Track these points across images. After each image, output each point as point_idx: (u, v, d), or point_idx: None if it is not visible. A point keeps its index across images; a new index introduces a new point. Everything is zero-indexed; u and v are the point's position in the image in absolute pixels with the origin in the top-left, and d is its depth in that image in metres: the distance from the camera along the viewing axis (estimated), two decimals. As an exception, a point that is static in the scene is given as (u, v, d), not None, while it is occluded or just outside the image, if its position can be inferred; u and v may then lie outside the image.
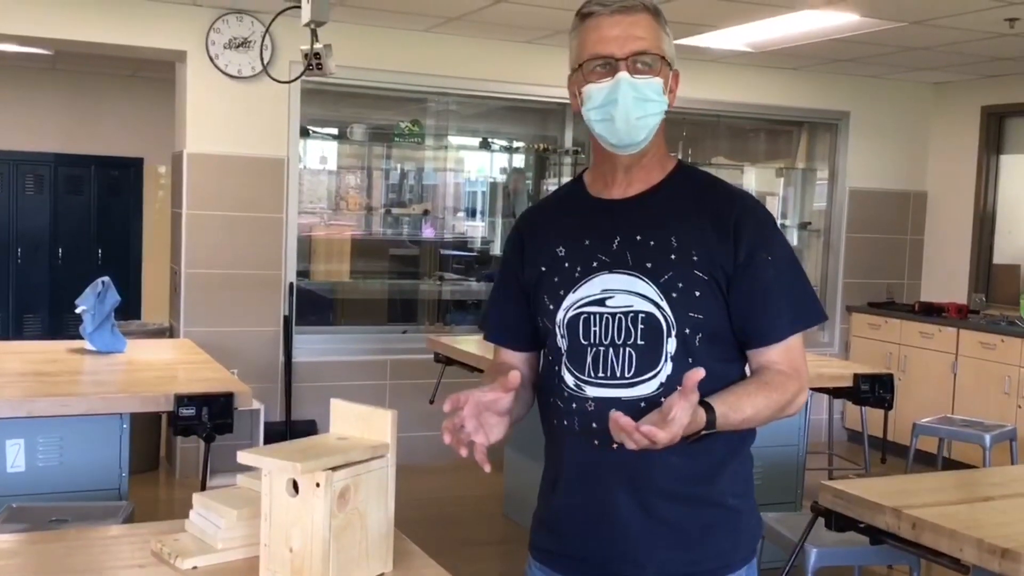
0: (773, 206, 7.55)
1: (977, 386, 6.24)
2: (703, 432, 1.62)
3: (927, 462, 5.26)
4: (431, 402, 5.24)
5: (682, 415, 1.53)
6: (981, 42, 5.72)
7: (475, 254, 7.42)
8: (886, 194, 7.33)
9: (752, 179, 7.63)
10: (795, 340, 1.76)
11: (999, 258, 7.08)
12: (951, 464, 5.23)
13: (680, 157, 1.89)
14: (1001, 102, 6.93)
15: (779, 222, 7.40)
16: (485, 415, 1.65)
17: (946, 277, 7.28)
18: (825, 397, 5.34)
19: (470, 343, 4.87)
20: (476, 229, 7.55)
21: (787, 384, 1.74)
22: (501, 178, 7.45)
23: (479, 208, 7.61)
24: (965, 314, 6.62)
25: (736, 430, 1.71)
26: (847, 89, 7.12)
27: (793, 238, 7.52)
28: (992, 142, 7.07)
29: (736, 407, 1.67)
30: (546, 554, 1.86)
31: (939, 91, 7.35)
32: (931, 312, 6.73)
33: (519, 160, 7.40)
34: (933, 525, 2.25)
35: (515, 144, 7.33)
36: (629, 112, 1.70)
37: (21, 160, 8.65)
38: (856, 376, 4.39)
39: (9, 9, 5.26)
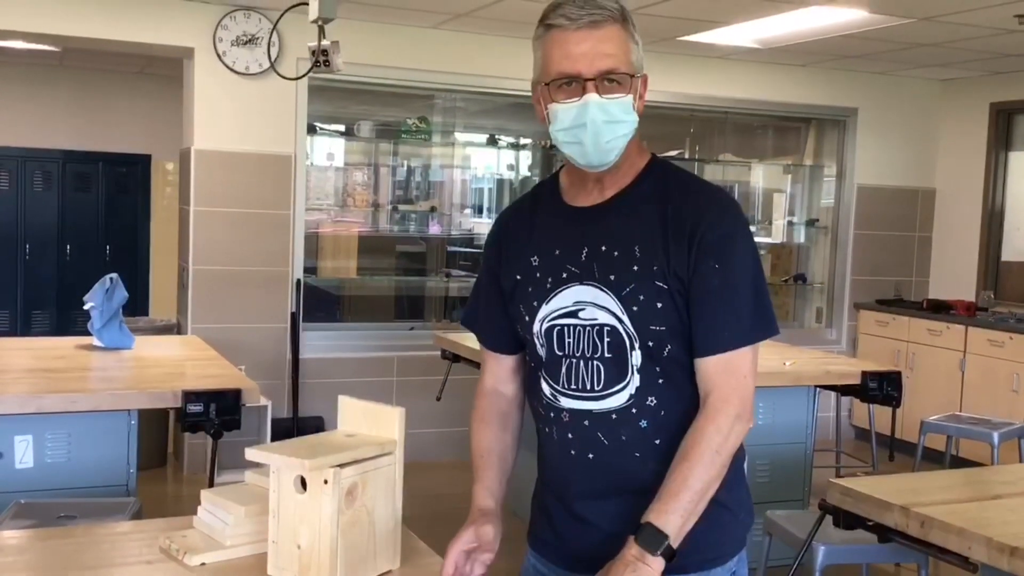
0: (780, 203, 7.53)
1: (985, 384, 6.22)
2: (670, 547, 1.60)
3: (935, 460, 5.25)
4: (438, 399, 5.24)
5: None
6: (990, 38, 5.70)
7: (482, 250, 7.41)
8: (894, 191, 7.31)
9: (759, 176, 7.62)
10: (739, 355, 1.68)
11: (1008, 255, 7.06)
12: (959, 462, 5.22)
13: (655, 153, 1.84)
14: (1010, 99, 6.90)
15: (786, 219, 7.46)
16: (473, 551, 1.74)
17: (954, 274, 7.26)
18: (832, 395, 5.33)
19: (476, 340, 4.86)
20: (483, 226, 7.54)
21: (711, 430, 1.65)
22: (508, 175, 7.44)
23: (486, 205, 7.61)
24: (973, 311, 6.60)
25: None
26: (855, 85, 7.09)
27: (800, 235, 7.50)
28: (1001, 139, 7.04)
29: (679, 502, 1.61)
30: (541, 543, 1.88)
31: (948, 88, 7.33)
32: (939, 309, 6.71)
33: (525, 157, 7.39)
34: (942, 523, 2.24)
35: (522, 141, 7.33)
36: (599, 135, 1.66)
37: (29, 157, 8.67)
38: (864, 374, 4.38)
39: (17, 6, 5.26)
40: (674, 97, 6.53)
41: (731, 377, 1.68)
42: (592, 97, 1.64)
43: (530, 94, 1.79)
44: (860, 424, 6.85)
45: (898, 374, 4.45)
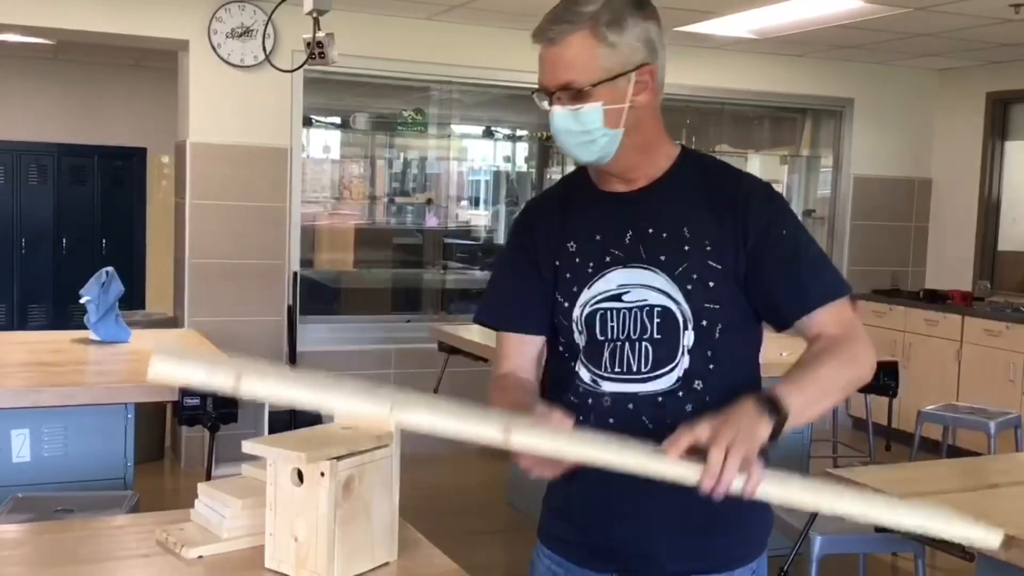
0: (777, 194, 7.54)
1: (982, 373, 6.23)
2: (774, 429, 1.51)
3: (932, 450, 5.26)
4: (435, 391, 5.25)
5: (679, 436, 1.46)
6: (986, 28, 5.70)
7: (479, 243, 7.42)
8: (891, 181, 7.31)
9: (756, 167, 7.62)
10: (840, 304, 1.70)
11: (1004, 245, 7.06)
12: (956, 452, 5.23)
13: (683, 143, 1.85)
14: (1006, 88, 6.90)
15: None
16: None
17: (951, 264, 7.27)
18: (829, 385, 5.33)
19: (474, 332, 4.87)
20: (479, 218, 7.55)
21: (846, 345, 1.65)
22: (504, 166, 7.44)
23: (482, 197, 7.61)
24: (970, 301, 6.61)
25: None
26: (851, 76, 7.09)
27: (797, 226, 7.51)
28: (997, 129, 7.04)
29: (803, 386, 1.58)
30: (559, 542, 1.83)
31: (944, 77, 7.32)
32: (936, 299, 6.71)
33: (522, 148, 7.39)
34: (938, 513, 2.25)
35: (518, 132, 7.32)
36: (566, 142, 1.70)
37: (24, 151, 8.65)
38: (861, 364, 4.38)
39: (11, -1, 5.25)
40: (670, 88, 6.41)
41: (845, 323, 1.69)
42: (555, 109, 1.69)
43: (524, 85, 1.81)
44: (857, 414, 6.85)
45: (895, 364, 4.46)
